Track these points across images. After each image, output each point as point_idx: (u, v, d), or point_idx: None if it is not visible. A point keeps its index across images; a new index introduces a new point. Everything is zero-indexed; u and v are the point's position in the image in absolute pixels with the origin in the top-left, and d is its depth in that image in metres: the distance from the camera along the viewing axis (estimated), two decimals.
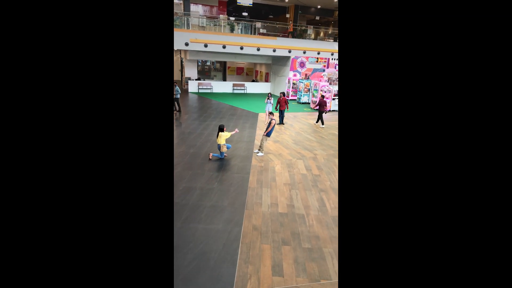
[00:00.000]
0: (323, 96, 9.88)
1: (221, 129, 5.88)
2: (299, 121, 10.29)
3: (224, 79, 20.22)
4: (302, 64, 15.61)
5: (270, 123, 6.16)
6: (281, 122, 9.28)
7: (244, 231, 3.62)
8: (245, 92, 17.79)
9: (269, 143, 7.28)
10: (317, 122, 9.70)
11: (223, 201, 4.31)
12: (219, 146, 5.91)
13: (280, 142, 7.49)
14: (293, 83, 15.31)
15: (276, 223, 3.82)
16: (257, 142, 7.30)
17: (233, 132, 6.15)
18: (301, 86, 14.42)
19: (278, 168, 5.76)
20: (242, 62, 19.93)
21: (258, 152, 6.28)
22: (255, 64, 20.90)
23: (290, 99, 15.37)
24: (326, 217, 4.09)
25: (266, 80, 18.99)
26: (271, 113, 6.47)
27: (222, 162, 5.92)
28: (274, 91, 17.97)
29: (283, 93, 9.38)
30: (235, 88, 17.56)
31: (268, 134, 6.16)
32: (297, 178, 5.37)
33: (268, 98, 9.29)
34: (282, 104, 9.10)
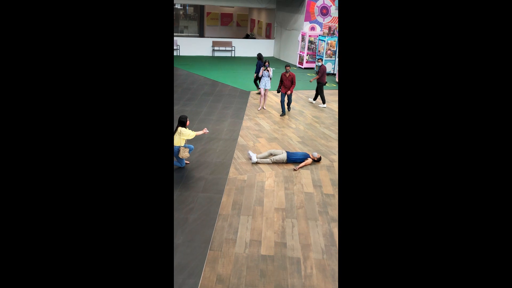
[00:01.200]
0: (322, 60, 10.34)
1: (181, 122, 5.84)
2: (315, 105, 10.32)
3: (201, 34, 19.97)
4: (324, 11, 15.34)
5: (305, 159, 6.49)
6: (285, 111, 9.19)
7: (204, 284, 3.67)
8: (233, 55, 17.55)
9: (261, 143, 7.35)
10: (315, 99, 10.17)
11: (175, 236, 4.41)
12: (177, 150, 5.82)
13: (279, 141, 7.51)
14: (310, 42, 15.01)
15: (255, 272, 3.87)
16: (242, 141, 7.35)
17: (200, 133, 6.10)
18: (322, 46, 14.12)
19: (269, 184, 5.78)
20: (229, 6, 19.61)
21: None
22: (250, 9, 20.61)
23: (305, 68, 15.29)
24: (334, 263, 4.07)
25: (268, 36, 18.68)
26: (315, 159, 6.49)
27: (181, 173, 5.97)
28: (280, 55, 17.75)
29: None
30: (216, 48, 17.22)
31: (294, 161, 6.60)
32: (298, 199, 5.37)
33: (265, 68, 9.20)
34: (287, 82, 8.92)
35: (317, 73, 9.96)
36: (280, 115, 9.07)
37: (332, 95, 11.24)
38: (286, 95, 8.96)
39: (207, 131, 6.07)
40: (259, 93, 9.67)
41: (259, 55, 10.55)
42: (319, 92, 9.97)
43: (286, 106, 9.14)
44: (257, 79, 10.48)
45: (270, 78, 9.26)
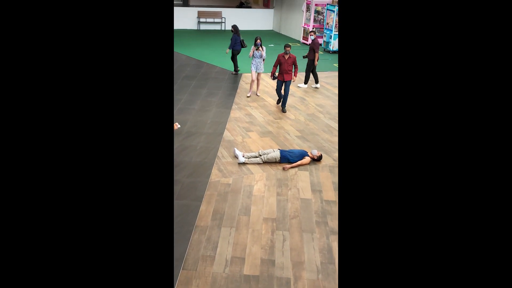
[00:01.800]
0: (314, 33, 9.79)
1: None
2: (319, 91, 9.94)
3: (184, 2, 19.27)
4: None
5: (303, 157, 6.14)
6: (281, 103, 8.41)
7: None
8: (223, 28, 17.11)
9: (252, 138, 7.03)
10: (316, 82, 9.79)
11: None
12: None
13: (274, 135, 7.20)
14: (317, 12, 14.57)
15: None
16: (229, 136, 7.08)
17: None
18: (331, 18, 13.64)
19: (258, 188, 5.53)
20: None
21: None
22: None
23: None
24: (331, 284, 3.91)
25: (266, 5, 18.10)
26: (314, 157, 6.11)
27: None
28: (280, 28, 17.33)
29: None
30: (202, 20, 16.79)
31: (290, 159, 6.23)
32: (292, 207, 5.14)
33: (257, 48, 8.47)
34: (286, 67, 7.88)
35: (313, 50, 9.34)
36: (277, 103, 8.44)
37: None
38: (284, 84, 7.89)
39: (178, 125, 5.77)
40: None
41: (235, 27, 9.86)
42: (306, 69, 9.52)
43: (282, 103, 8.29)
44: (233, 56, 10.04)
45: (263, 59, 8.59)
